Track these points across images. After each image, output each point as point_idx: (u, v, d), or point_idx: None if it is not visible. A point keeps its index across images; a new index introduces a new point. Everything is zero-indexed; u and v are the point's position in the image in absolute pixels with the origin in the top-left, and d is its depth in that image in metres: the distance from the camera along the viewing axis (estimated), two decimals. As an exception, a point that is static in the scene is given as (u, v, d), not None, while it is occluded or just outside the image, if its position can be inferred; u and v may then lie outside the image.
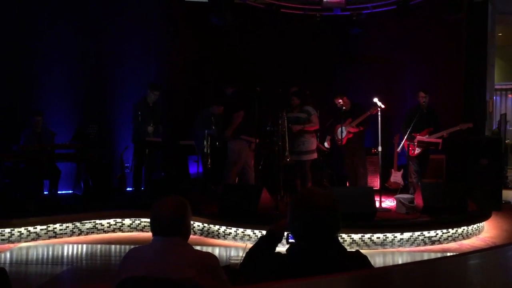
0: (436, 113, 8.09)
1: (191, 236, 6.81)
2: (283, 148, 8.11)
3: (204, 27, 9.53)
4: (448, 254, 6.09)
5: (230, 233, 6.70)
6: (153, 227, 2.58)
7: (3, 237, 6.51)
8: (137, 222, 7.27)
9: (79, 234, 6.99)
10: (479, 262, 1.52)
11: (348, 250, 2.29)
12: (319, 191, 2.26)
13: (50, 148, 7.93)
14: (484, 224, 7.17)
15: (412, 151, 7.94)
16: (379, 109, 7.38)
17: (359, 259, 2.20)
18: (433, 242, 6.47)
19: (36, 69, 8.97)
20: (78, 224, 6.99)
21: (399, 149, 8.18)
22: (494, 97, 13.08)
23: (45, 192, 8.05)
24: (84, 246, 6.56)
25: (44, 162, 7.63)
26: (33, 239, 6.65)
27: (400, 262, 6.00)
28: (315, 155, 7.98)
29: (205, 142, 8.21)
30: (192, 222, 6.89)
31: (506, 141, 12.84)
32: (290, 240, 2.25)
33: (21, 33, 8.91)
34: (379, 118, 7.35)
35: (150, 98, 8.29)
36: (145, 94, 8.33)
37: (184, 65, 10.01)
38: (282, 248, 2.40)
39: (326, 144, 8.75)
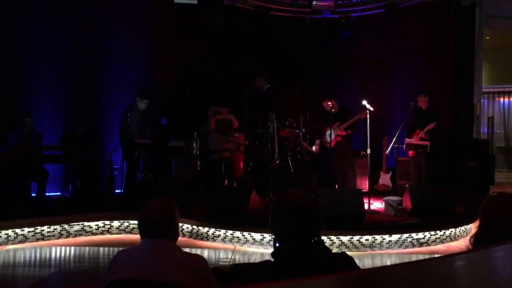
0: (436, 112, 8.13)
1: (180, 238, 6.80)
2: (273, 150, 8.14)
3: (194, 28, 9.52)
4: (436, 256, 6.13)
5: (219, 235, 6.69)
6: (141, 229, 2.57)
7: (-10, 239, 6.46)
8: (126, 224, 7.23)
9: (67, 236, 6.94)
10: (466, 263, 1.53)
11: (333, 252, 2.30)
12: (299, 192, 2.29)
13: (38, 149, 7.87)
14: (472, 226, 7.22)
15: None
16: (367, 112, 7.43)
17: (345, 261, 2.21)
18: (421, 244, 6.51)
19: (24, 70, 8.91)
20: (66, 226, 6.94)
21: (387, 151, 8.22)
22: (482, 100, 13.18)
23: (32, 194, 7.99)
24: (72, 248, 6.52)
25: (32, 163, 7.57)
26: (20, 242, 6.59)
27: (388, 264, 6.02)
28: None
29: (194, 144, 8.21)
30: (181, 224, 6.89)
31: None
32: (277, 245, 2.26)
33: (9, 33, 8.84)
34: (368, 121, 7.40)
35: (140, 106, 8.30)
36: (135, 100, 8.33)
37: (173, 66, 9.99)
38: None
39: (314, 148, 8.78)
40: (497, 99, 15.51)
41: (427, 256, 6.16)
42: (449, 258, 1.60)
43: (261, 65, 9.55)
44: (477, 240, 2.13)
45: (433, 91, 8.34)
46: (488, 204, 2.14)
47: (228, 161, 8.59)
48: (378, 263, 5.98)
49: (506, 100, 15.45)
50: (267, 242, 6.31)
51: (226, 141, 8.60)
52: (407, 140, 7.96)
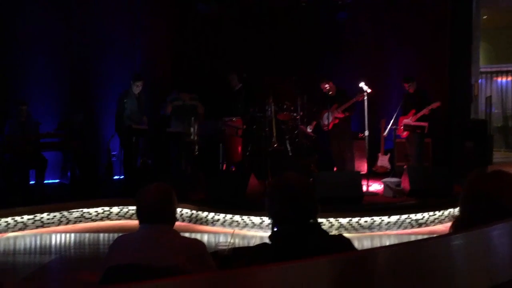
0: (424, 94, 8.13)
1: (180, 223, 6.85)
2: (270, 134, 8.14)
3: (190, 15, 9.47)
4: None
5: (219, 219, 6.71)
6: (139, 215, 2.58)
7: (-11, 228, 6.47)
8: (125, 210, 7.25)
9: (66, 223, 6.95)
10: (463, 242, 1.53)
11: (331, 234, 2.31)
12: (294, 176, 2.30)
13: (35, 137, 7.84)
14: (470, 206, 7.24)
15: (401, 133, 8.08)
16: (365, 94, 7.41)
17: (342, 242, 2.22)
18: (420, 225, 6.54)
19: (20, 59, 8.83)
20: (65, 213, 6.96)
21: (385, 133, 8.21)
22: (480, 80, 13.15)
23: (31, 182, 7.99)
24: (72, 235, 6.55)
25: (29, 151, 7.55)
26: (20, 229, 6.60)
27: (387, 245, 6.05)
28: None
29: (191, 129, 8.19)
30: (180, 209, 6.92)
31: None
32: (275, 229, 2.26)
33: (3, 22, 8.76)
34: (366, 103, 7.39)
35: (134, 89, 8.30)
36: (130, 85, 8.34)
37: (169, 52, 9.94)
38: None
39: (309, 129, 8.77)
40: (495, 78, 15.46)
41: (426, 237, 6.20)
42: (446, 237, 1.60)
43: (257, 49, 9.52)
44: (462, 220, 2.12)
45: (426, 72, 8.36)
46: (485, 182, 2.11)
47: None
48: (377, 244, 6.01)
49: (504, 79, 15.40)
50: (266, 226, 6.33)
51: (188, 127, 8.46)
52: (405, 121, 7.96)
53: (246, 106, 8.48)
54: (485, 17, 12.48)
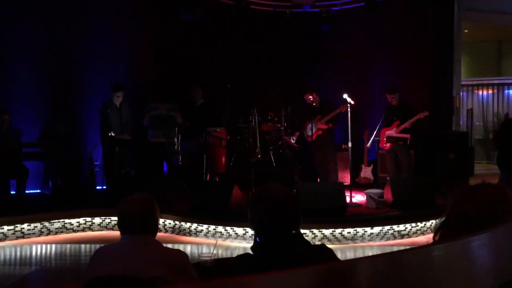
0: (408, 106, 8.22)
1: (163, 233, 6.80)
2: (254, 144, 8.15)
3: (174, 23, 9.48)
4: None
5: (202, 230, 6.68)
6: (120, 225, 2.56)
7: (-31, 238, 6.37)
8: (108, 220, 7.19)
9: (47, 234, 6.87)
10: (443, 253, 1.55)
11: (313, 244, 2.31)
12: (277, 186, 2.29)
13: (17, 147, 7.76)
14: (451, 217, 7.29)
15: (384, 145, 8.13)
16: (348, 105, 7.47)
17: (325, 253, 2.22)
18: (402, 236, 6.57)
19: (1, 67, 8.75)
20: (46, 223, 6.87)
21: (368, 144, 8.27)
22: (461, 93, 13.32)
23: (12, 192, 7.89)
24: (53, 246, 6.46)
25: (10, 161, 7.47)
26: (0, 240, 6.51)
27: (370, 255, 6.07)
28: None
29: (175, 139, 8.17)
30: (163, 220, 6.88)
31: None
32: (257, 240, 2.26)
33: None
34: (349, 114, 7.44)
35: (115, 100, 8.29)
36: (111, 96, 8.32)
37: (153, 61, 9.92)
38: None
39: (292, 139, 8.80)
40: (476, 91, 15.68)
41: (408, 248, 6.23)
42: (427, 248, 1.62)
43: (241, 60, 9.56)
44: (445, 229, 2.14)
45: (408, 84, 8.48)
46: (466, 193, 2.13)
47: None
48: (360, 255, 6.02)
49: (485, 92, 15.63)
50: (249, 237, 6.32)
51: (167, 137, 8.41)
52: (387, 132, 8.03)
53: (229, 117, 8.49)
54: (466, 30, 12.67)
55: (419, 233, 6.71)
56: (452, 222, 2.11)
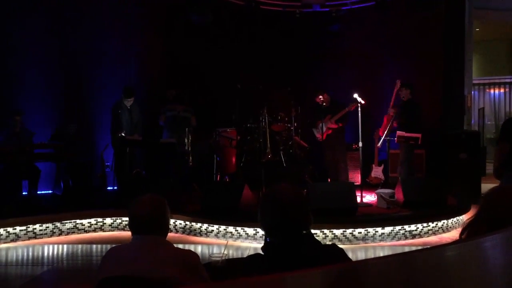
0: (415, 105, 8.16)
1: (174, 234, 6.81)
2: (265, 145, 8.14)
3: (185, 25, 9.50)
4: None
5: (213, 230, 6.68)
6: (131, 226, 2.56)
7: (-19, 239, 6.42)
8: (118, 221, 7.22)
9: (59, 234, 6.91)
10: (456, 253, 1.53)
11: (324, 244, 2.30)
12: (287, 187, 2.27)
13: (29, 148, 7.82)
14: (463, 217, 7.26)
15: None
16: (358, 105, 7.43)
17: (335, 253, 2.21)
18: (413, 236, 6.53)
19: (13, 68, 8.83)
20: (58, 224, 6.91)
21: (379, 144, 8.23)
22: (472, 92, 13.23)
23: (24, 193, 7.95)
24: (65, 246, 6.49)
25: (22, 162, 7.52)
26: (12, 240, 6.55)
27: (381, 256, 6.04)
28: None
29: (186, 140, 8.18)
30: (174, 220, 6.90)
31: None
32: (268, 240, 2.25)
33: (-3, 32, 8.77)
34: (359, 114, 7.40)
35: (126, 103, 8.36)
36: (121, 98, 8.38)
37: (163, 64, 9.95)
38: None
39: (316, 132, 8.73)
40: (487, 90, 15.58)
41: (419, 248, 6.20)
42: (439, 248, 1.60)
43: (251, 60, 9.56)
44: (473, 228, 2.14)
45: (420, 83, 8.42)
46: (498, 195, 2.14)
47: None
48: (371, 255, 5.99)
49: (497, 91, 15.52)
50: (260, 237, 6.31)
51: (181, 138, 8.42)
52: (398, 132, 7.98)
53: (240, 117, 8.49)
54: (477, 29, 12.59)
55: (431, 233, 6.67)
56: (481, 222, 2.11)
